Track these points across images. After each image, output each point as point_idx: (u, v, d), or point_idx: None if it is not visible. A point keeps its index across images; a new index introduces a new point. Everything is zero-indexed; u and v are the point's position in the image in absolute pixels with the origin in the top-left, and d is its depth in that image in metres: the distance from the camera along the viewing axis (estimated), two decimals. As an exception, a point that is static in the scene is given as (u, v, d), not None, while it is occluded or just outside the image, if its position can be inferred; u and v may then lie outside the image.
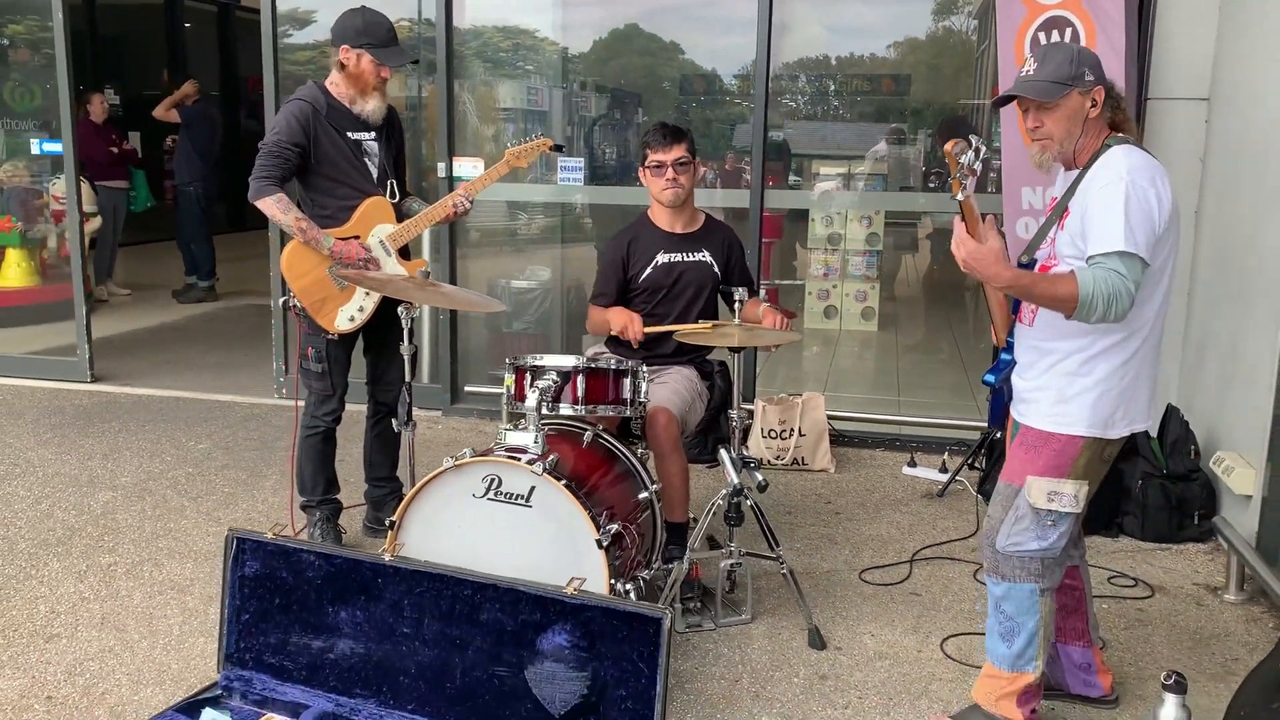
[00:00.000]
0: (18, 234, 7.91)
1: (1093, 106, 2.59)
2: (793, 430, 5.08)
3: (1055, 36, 4.74)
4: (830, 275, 7.76)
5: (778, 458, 5.08)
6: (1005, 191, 4.81)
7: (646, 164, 3.68)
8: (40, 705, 2.91)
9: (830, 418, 5.33)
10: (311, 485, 3.91)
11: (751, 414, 5.15)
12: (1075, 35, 4.69)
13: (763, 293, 7.77)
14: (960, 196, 2.49)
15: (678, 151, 3.65)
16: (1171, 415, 4.39)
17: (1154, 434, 4.41)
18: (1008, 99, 2.71)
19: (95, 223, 8.66)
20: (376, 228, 3.75)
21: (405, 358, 3.49)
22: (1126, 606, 3.69)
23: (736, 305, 3.44)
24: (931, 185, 6.86)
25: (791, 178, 7.12)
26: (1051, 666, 2.99)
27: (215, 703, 2.85)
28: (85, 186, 8.28)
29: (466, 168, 5.72)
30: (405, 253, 3.88)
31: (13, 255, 7.88)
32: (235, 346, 7.40)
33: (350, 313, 3.70)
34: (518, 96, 7.07)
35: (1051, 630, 2.81)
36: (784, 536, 4.17)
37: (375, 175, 3.79)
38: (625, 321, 3.57)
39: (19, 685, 3.01)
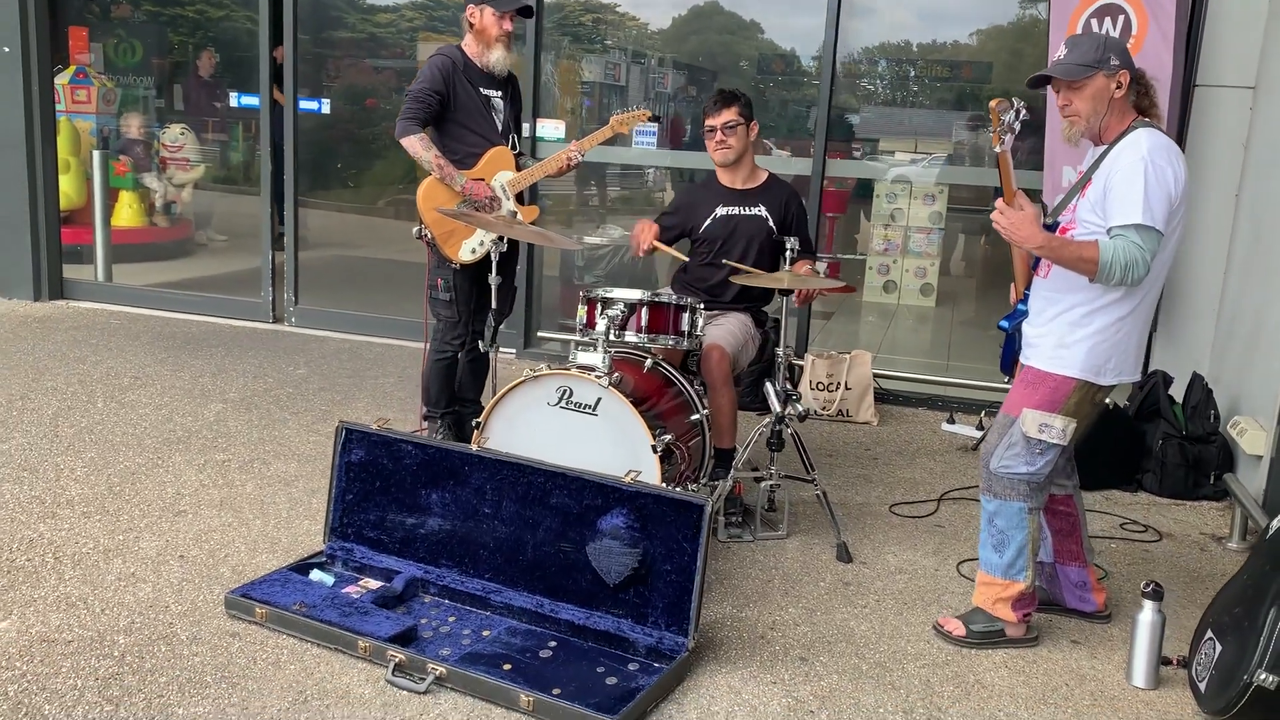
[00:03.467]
0: (131, 178, 8.55)
1: (1117, 89, 2.92)
2: (839, 384, 5.45)
3: (1107, 24, 5.03)
4: (890, 251, 8.03)
5: (824, 409, 5.47)
6: (1047, 170, 5.12)
7: (704, 129, 4.10)
8: (175, 562, 3.43)
9: (878, 376, 5.71)
10: (435, 399, 4.44)
11: (802, 368, 5.54)
12: (1127, 23, 4.97)
13: (824, 267, 8.05)
14: (999, 149, 2.84)
15: (727, 115, 4.06)
16: (1194, 382, 4.68)
17: (1178, 398, 4.72)
18: (1041, 80, 3.05)
19: (199, 170, 9.26)
20: (499, 173, 4.25)
21: (492, 287, 3.95)
22: (1134, 548, 4.03)
23: (788, 254, 3.82)
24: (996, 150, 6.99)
25: (863, 159, 7.35)
26: (1051, 584, 3.37)
27: (321, 566, 3.35)
28: (191, 136, 8.92)
29: (549, 128, 6.17)
30: (521, 198, 4.35)
31: (125, 197, 8.50)
32: (323, 290, 7.93)
33: (472, 245, 4.19)
34: (596, 70, 7.44)
35: (1039, 545, 3.18)
36: (823, 474, 4.55)
37: (500, 128, 4.30)
38: (639, 227, 4.02)
39: (157, 546, 3.54)
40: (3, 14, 6.83)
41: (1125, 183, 2.81)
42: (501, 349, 4.65)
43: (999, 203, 2.85)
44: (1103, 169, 2.91)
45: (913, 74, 7.47)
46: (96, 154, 7.68)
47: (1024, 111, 2.80)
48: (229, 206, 10.70)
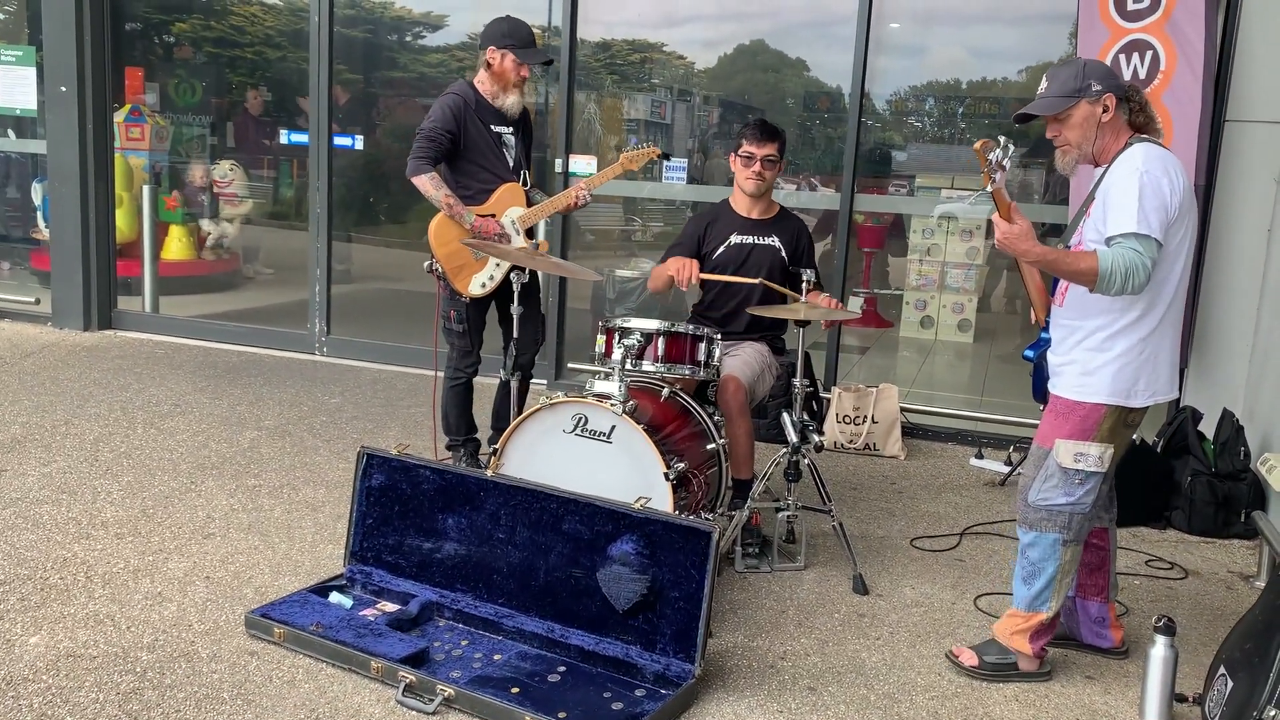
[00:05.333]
0: (181, 212, 8.80)
1: (1104, 112, 2.95)
2: (866, 417, 5.45)
3: (1135, 60, 5.03)
4: (927, 286, 8.00)
5: (850, 442, 5.47)
6: (1072, 203, 5.12)
7: (739, 152, 4.15)
8: (201, 582, 3.52)
9: (907, 410, 5.70)
10: (455, 427, 4.52)
11: (828, 400, 5.55)
12: (1155, 59, 4.98)
13: (860, 303, 7.97)
14: (990, 188, 2.87)
15: (769, 149, 4.11)
16: (1225, 418, 4.63)
17: (1209, 434, 4.66)
18: (1026, 117, 3.07)
19: (247, 205, 9.50)
20: (510, 209, 4.35)
21: (514, 317, 4.03)
22: (1158, 585, 3.98)
23: (804, 285, 3.86)
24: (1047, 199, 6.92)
25: (899, 195, 7.34)
26: (1069, 618, 3.34)
27: (341, 589, 3.42)
28: (240, 172, 9.16)
29: (581, 164, 6.28)
30: (531, 233, 4.45)
31: (175, 231, 8.75)
32: (366, 322, 8.08)
33: (482, 279, 4.29)
34: (642, 108, 7.55)
35: (1071, 580, 3.14)
36: (846, 507, 4.58)
37: (511, 165, 4.40)
38: (680, 265, 3.99)
39: (184, 567, 3.64)
40: (61, 55, 7.12)
41: (1121, 194, 2.82)
42: (534, 380, 4.79)
43: (995, 217, 2.87)
44: (1102, 188, 2.92)
45: (960, 110, 7.48)
46: (146, 189, 7.93)
47: (1011, 148, 2.82)
48: (277, 241, 10.97)
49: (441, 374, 4.54)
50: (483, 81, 4.36)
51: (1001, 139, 2.85)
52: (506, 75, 4.29)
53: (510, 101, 4.33)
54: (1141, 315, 2.93)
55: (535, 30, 4.43)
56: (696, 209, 7.12)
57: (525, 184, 4.44)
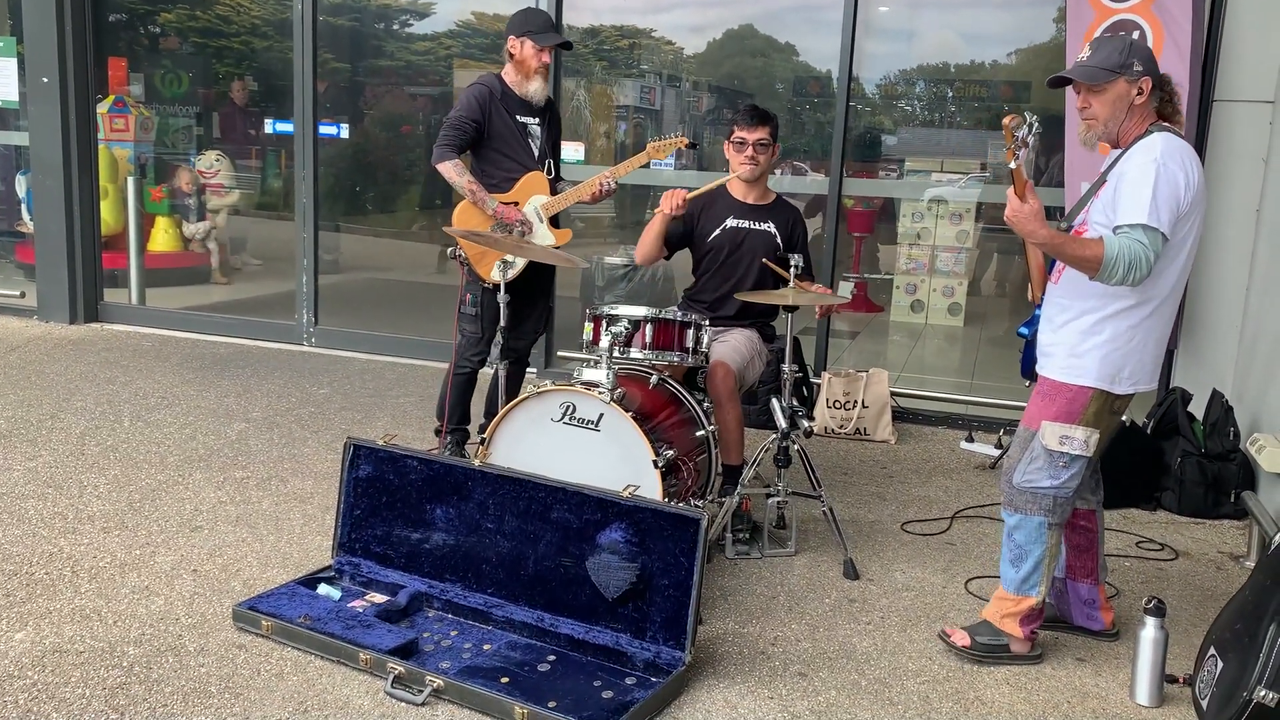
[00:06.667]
0: (166, 204, 8.74)
1: (1139, 94, 2.91)
2: (856, 402, 5.45)
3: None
4: (917, 270, 7.99)
5: (841, 427, 5.46)
6: (1067, 185, 5.10)
7: (731, 139, 4.14)
8: (188, 576, 3.50)
9: (898, 394, 5.70)
10: (450, 415, 4.53)
11: (818, 386, 5.54)
12: (1142, 38, 4.95)
13: (851, 287, 7.94)
14: (1013, 165, 2.83)
15: (760, 133, 4.09)
16: (1214, 399, 4.63)
17: (1198, 415, 4.66)
18: (1062, 81, 3.03)
19: (234, 196, 9.44)
20: (533, 197, 4.36)
21: (501, 305, 4.00)
22: (1148, 566, 3.98)
23: (792, 271, 3.84)
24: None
25: (889, 179, 7.32)
26: (1059, 600, 3.35)
27: (329, 581, 3.40)
28: (226, 162, 9.10)
29: (569, 151, 6.25)
30: (556, 221, 4.45)
31: (161, 223, 8.69)
32: (354, 312, 8.05)
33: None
34: (631, 94, 7.52)
35: (1056, 562, 3.15)
36: (837, 492, 4.57)
37: (536, 154, 4.43)
38: (666, 195, 4.02)
39: (171, 561, 3.61)
40: (42, 46, 7.05)
41: (1135, 183, 2.80)
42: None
43: (1010, 192, 2.84)
44: (1116, 170, 2.90)
45: (949, 94, 7.46)
46: (131, 180, 7.87)
47: (1037, 125, 2.79)
48: (264, 231, 10.90)
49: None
50: (508, 73, 4.41)
51: (1029, 116, 2.82)
52: (528, 62, 4.33)
53: (534, 88, 4.36)
54: (1136, 303, 2.91)
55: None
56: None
57: (550, 173, 4.45)
